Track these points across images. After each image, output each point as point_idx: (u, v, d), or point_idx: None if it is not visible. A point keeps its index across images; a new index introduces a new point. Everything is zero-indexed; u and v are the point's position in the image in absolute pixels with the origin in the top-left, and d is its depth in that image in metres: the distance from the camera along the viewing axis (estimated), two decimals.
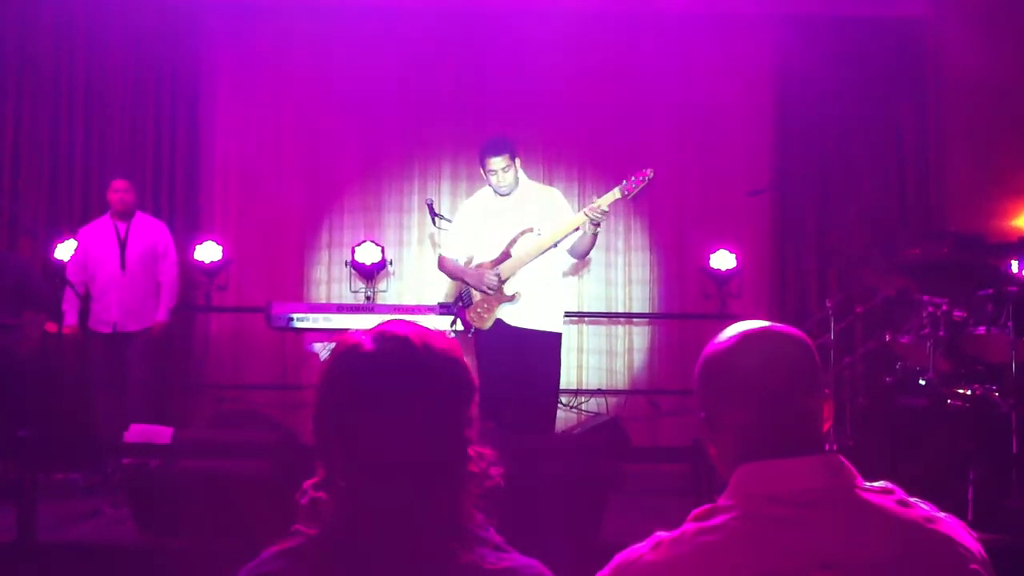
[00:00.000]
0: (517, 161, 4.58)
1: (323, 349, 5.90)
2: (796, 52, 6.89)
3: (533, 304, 4.53)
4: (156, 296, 5.74)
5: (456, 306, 4.69)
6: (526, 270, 4.52)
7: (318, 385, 1.28)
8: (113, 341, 5.59)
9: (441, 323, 4.83)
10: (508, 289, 4.53)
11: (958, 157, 6.93)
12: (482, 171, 4.61)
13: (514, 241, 4.54)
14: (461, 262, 4.69)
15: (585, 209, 4.41)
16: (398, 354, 1.25)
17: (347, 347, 1.28)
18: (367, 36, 6.94)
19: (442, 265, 4.82)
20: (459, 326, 4.66)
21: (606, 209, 4.37)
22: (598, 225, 4.43)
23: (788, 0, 6.96)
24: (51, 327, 5.35)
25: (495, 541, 1.26)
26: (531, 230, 4.53)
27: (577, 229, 4.45)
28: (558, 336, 4.60)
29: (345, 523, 1.23)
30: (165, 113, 6.98)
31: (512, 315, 4.53)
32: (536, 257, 4.51)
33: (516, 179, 4.59)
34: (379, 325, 1.31)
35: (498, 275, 4.52)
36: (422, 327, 1.31)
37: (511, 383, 4.41)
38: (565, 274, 5.26)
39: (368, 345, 1.27)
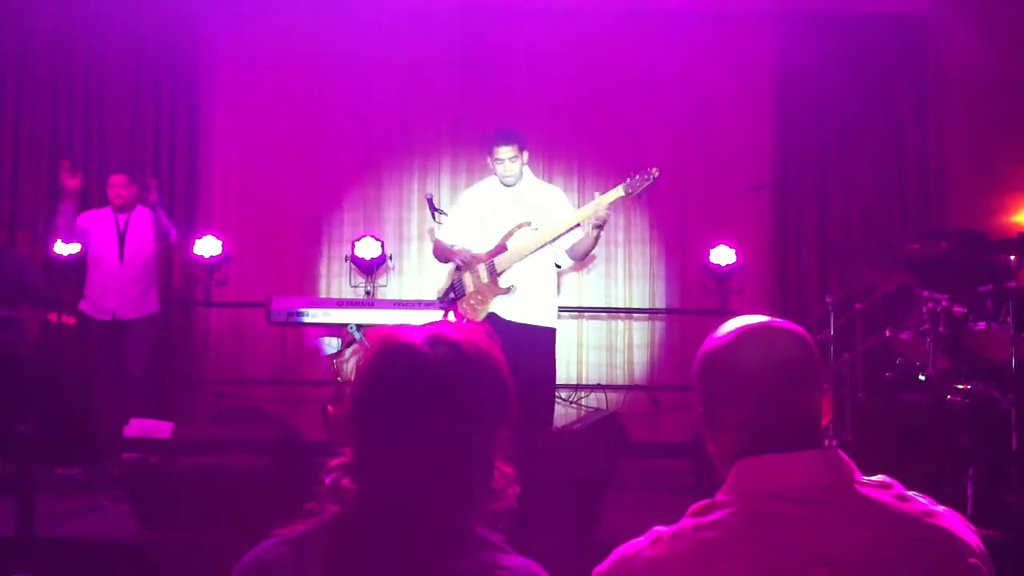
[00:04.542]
0: (524, 154, 4.59)
1: (327, 344, 5.89)
2: (796, 48, 6.87)
3: (527, 299, 4.52)
4: (154, 287, 5.76)
5: (447, 298, 4.66)
6: (521, 264, 4.52)
7: (361, 374, 1.28)
8: (112, 329, 5.59)
9: (438, 318, 4.79)
10: (503, 282, 4.52)
11: (958, 153, 6.92)
12: (489, 159, 4.62)
13: (510, 234, 4.54)
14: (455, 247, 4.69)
15: (588, 205, 4.41)
16: (451, 362, 1.25)
17: (400, 344, 1.27)
18: (367, 31, 6.92)
19: (435, 248, 4.79)
20: (452, 319, 4.61)
21: (604, 214, 4.33)
22: (601, 227, 4.40)
23: None
24: (51, 316, 5.35)
25: (495, 542, 1.26)
26: (528, 224, 4.53)
27: (578, 226, 4.44)
28: (552, 331, 4.59)
29: (357, 513, 1.24)
30: (165, 107, 6.96)
31: (506, 309, 4.52)
32: (532, 252, 4.51)
33: (521, 172, 4.60)
34: (432, 326, 1.31)
35: (492, 265, 4.52)
36: (476, 335, 1.31)
37: None
38: (566, 269, 5.25)
39: (421, 346, 1.26)
